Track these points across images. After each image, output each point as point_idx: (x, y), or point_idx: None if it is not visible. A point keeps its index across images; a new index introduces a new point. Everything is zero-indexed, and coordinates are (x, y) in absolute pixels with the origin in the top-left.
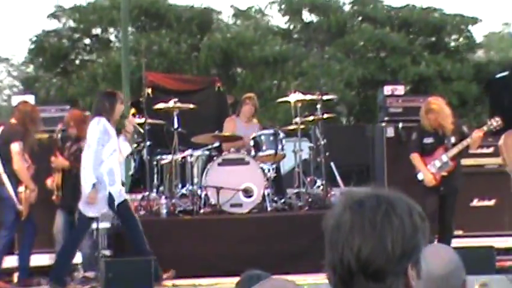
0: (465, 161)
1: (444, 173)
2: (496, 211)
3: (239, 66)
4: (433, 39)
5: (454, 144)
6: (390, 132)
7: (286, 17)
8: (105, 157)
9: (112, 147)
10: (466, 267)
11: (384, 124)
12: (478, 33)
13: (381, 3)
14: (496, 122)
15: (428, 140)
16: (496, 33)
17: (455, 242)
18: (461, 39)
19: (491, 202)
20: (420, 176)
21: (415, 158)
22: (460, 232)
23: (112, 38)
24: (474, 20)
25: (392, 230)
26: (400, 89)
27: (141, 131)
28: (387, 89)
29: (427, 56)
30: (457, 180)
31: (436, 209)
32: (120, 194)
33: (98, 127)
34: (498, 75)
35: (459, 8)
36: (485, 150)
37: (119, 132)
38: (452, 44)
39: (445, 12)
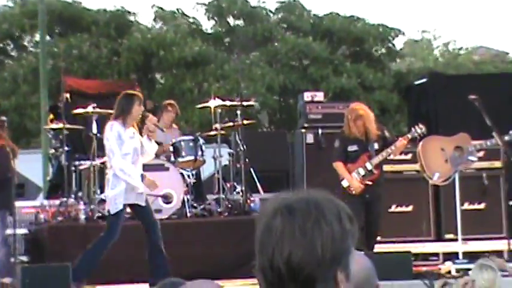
0: (384, 167)
1: (368, 182)
2: (414, 217)
3: (159, 68)
4: (356, 48)
5: (377, 151)
6: (310, 138)
7: (212, 21)
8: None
9: (124, 151)
10: (383, 272)
11: (303, 130)
12: (398, 41)
13: (307, 12)
14: (420, 129)
15: (352, 148)
16: (416, 41)
17: (375, 248)
18: (383, 50)
19: (409, 208)
20: (345, 183)
21: (339, 166)
22: (378, 238)
23: (26, 43)
24: (396, 32)
25: (322, 235)
26: (320, 96)
27: (163, 130)
28: (307, 96)
29: (349, 66)
30: (381, 187)
31: (362, 217)
32: (119, 197)
33: (112, 133)
34: (417, 82)
35: (380, 16)
36: (403, 157)
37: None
38: (375, 53)
39: (369, 22)
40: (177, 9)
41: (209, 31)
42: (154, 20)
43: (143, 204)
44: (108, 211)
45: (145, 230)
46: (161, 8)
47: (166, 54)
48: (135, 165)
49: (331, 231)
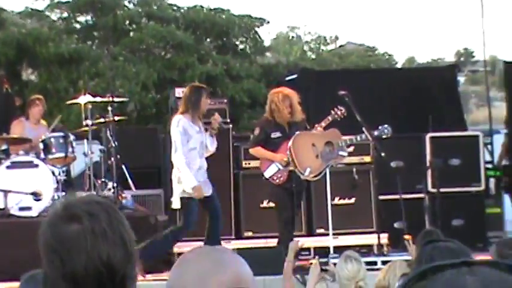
0: (255, 163)
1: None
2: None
3: (34, 65)
4: (221, 41)
5: None
6: None
7: (79, 17)
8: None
9: (191, 145)
10: (255, 267)
11: None
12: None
13: (166, 3)
14: (340, 111)
15: (275, 135)
16: (284, 35)
17: (246, 244)
18: (249, 42)
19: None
20: (267, 174)
21: (259, 150)
22: (250, 233)
23: None
24: (261, 21)
25: (127, 233)
26: None
27: (224, 127)
28: (178, 92)
29: (215, 55)
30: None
31: (289, 207)
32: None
33: (177, 129)
34: (288, 78)
35: (247, 11)
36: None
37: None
38: (241, 46)
39: (233, 13)
40: (48, 5)
41: (79, 27)
42: (26, 15)
43: (209, 194)
44: (183, 203)
45: (209, 217)
46: (30, 9)
47: (42, 49)
48: (202, 159)
49: (129, 228)
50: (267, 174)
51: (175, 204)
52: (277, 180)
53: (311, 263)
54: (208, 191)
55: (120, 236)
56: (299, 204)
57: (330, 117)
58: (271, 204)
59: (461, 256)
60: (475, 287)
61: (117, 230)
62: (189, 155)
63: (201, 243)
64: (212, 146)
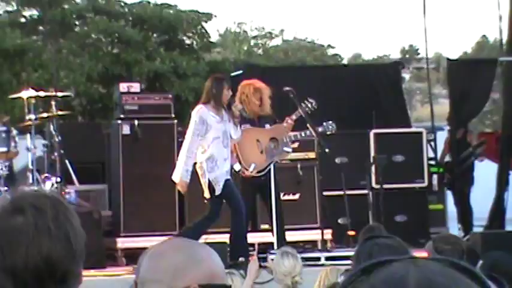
0: None
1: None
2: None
3: None
4: (168, 36)
5: None
6: (126, 129)
7: (25, 11)
8: (206, 145)
9: (213, 134)
10: None
11: (119, 121)
12: (213, 32)
13: (116, 1)
14: (310, 103)
15: (245, 127)
16: (231, 31)
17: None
18: (196, 37)
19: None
20: (237, 167)
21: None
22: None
23: None
24: (209, 16)
25: (73, 229)
26: (136, 87)
27: (245, 116)
28: (123, 86)
29: (163, 53)
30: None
31: (254, 200)
32: (220, 179)
33: (193, 118)
34: (234, 74)
35: (194, 6)
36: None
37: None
38: (188, 41)
39: (181, 9)
40: None
41: (23, 20)
42: None
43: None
44: (211, 193)
45: (231, 212)
46: None
47: None
48: (227, 148)
49: (78, 225)
50: (237, 167)
51: (206, 194)
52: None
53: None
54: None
55: (65, 233)
56: (276, 192)
57: (300, 110)
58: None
59: (400, 253)
60: (417, 276)
61: (62, 226)
62: (213, 145)
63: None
64: (236, 134)
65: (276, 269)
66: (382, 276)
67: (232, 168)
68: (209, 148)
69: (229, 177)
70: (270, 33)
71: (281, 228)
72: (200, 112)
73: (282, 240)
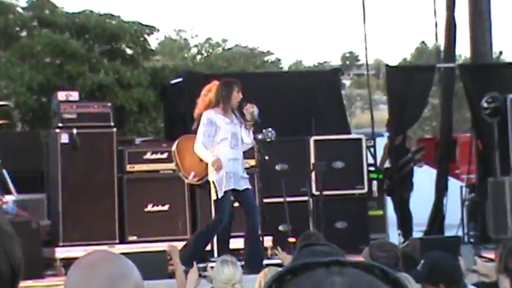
0: (140, 167)
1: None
2: (170, 216)
3: None
4: (111, 46)
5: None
6: (65, 138)
7: None
8: (213, 147)
9: (221, 136)
10: (140, 272)
11: (58, 130)
12: (153, 39)
13: (59, 9)
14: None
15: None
16: (171, 40)
17: (130, 248)
18: (138, 48)
19: (166, 207)
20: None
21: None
22: (134, 238)
23: None
24: (151, 29)
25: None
26: (75, 95)
27: (258, 120)
28: (61, 95)
29: (106, 64)
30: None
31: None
32: (222, 181)
33: (202, 121)
34: (173, 81)
35: (136, 15)
36: (159, 156)
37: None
38: (129, 51)
39: (123, 19)
40: None
41: None
42: None
43: (241, 188)
44: (216, 196)
45: (245, 213)
46: None
47: None
48: (235, 150)
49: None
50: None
51: (213, 196)
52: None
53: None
54: (241, 184)
55: (15, 239)
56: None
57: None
58: (156, 208)
59: None
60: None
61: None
62: (220, 146)
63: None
64: (248, 138)
65: (216, 277)
66: (307, 283)
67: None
68: (215, 150)
69: (246, 176)
70: (209, 40)
71: (223, 237)
72: (208, 114)
73: (224, 248)
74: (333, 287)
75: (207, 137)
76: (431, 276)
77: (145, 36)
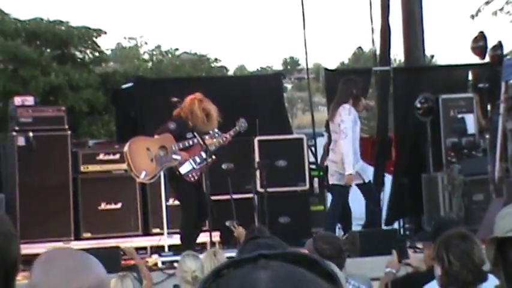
0: (93, 167)
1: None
2: (123, 213)
3: None
4: (61, 51)
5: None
6: (21, 141)
7: None
8: (354, 140)
9: (358, 130)
10: None
11: (15, 133)
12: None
13: (8, 16)
14: (243, 124)
15: (190, 135)
16: (124, 47)
17: (85, 244)
18: (88, 52)
19: (118, 205)
20: (183, 170)
21: None
22: (88, 234)
23: None
24: (99, 32)
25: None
26: (30, 100)
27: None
28: (17, 100)
29: (56, 67)
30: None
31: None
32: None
33: (349, 117)
34: (124, 86)
35: (86, 21)
36: (112, 157)
37: None
38: (80, 56)
39: (72, 25)
40: None
41: None
42: None
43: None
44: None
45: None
46: None
47: None
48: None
49: None
50: (183, 170)
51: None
52: (192, 179)
53: (147, 261)
54: (356, 179)
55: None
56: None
57: (237, 128)
58: (109, 207)
59: None
60: (265, 284)
61: None
62: (356, 140)
63: None
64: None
65: (178, 268)
66: (232, 282)
67: (178, 171)
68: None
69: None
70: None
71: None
72: (352, 110)
73: (190, 243)
74: (256, 282)
75: (354, 133)
76: (438, 235)
77: (94, 39)
